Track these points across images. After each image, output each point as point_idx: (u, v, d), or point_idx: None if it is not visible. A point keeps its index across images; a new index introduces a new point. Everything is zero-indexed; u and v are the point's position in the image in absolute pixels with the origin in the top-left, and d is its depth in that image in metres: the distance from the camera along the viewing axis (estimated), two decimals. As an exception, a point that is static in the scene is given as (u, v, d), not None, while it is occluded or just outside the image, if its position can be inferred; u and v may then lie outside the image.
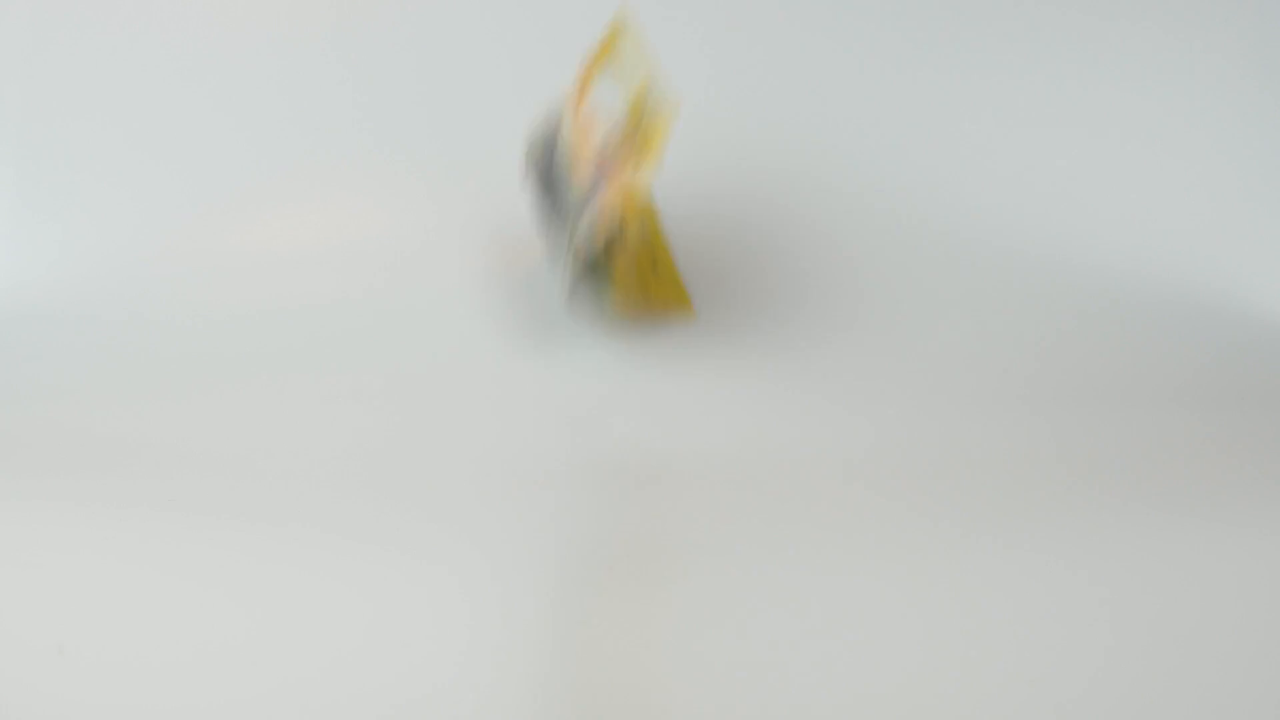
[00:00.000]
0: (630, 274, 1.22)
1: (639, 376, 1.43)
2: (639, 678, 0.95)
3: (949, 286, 1.53)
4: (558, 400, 1.38)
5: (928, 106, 1.57)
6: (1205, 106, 1.57)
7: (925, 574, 1.08)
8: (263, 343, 1.48)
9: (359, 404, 1.41)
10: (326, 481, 1.24)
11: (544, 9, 1.56)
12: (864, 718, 0.89)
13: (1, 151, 1.54)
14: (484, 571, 1.08)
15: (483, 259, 1.54)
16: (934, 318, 1.51)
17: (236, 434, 1.36)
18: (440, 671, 0.96)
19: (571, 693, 0.92)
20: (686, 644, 0.98)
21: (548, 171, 1.23)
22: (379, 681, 0.95)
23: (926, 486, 1.23)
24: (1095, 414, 1.40)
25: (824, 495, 1.21)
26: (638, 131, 1.07)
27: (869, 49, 1.57)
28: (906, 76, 1.57)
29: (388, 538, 1.15)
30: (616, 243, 1.16)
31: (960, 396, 1.43)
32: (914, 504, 1.21)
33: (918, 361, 1.48)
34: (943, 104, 1.57)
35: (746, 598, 1.03)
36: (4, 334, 1.48)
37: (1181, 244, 1.56)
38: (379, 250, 1.53)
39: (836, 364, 1.47)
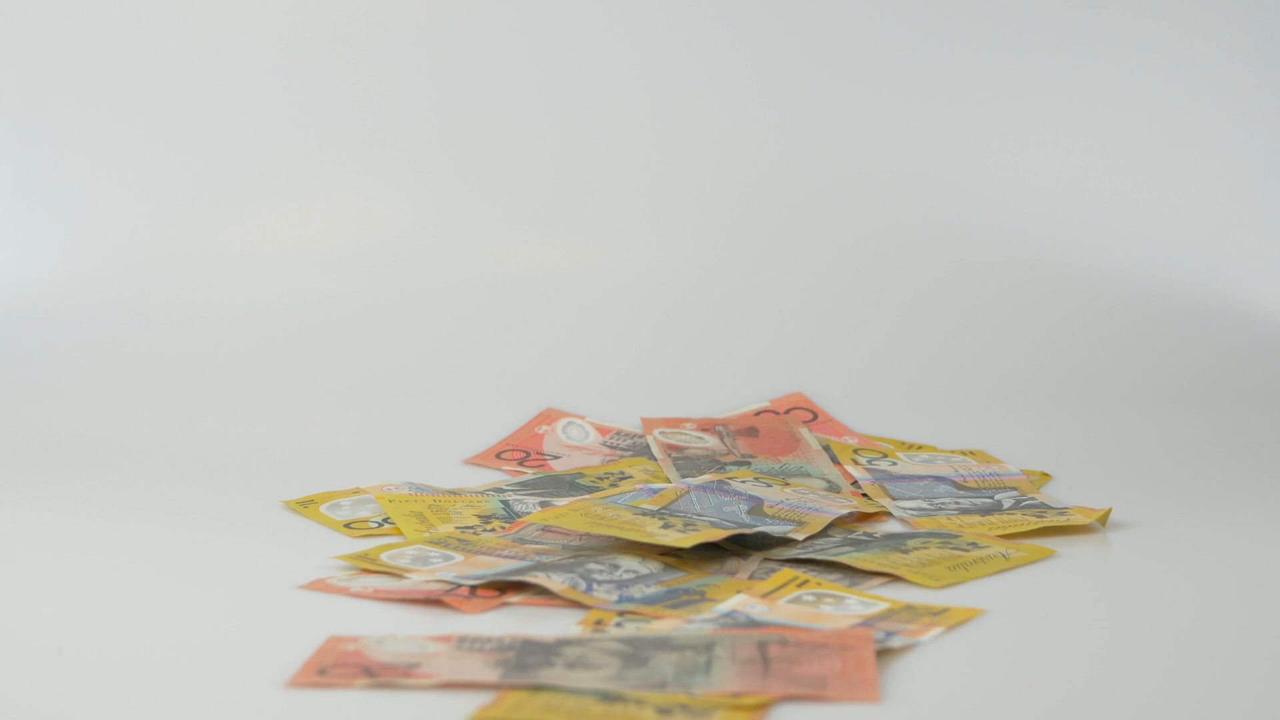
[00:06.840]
0: None
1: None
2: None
3: (949, 288, 1.53)
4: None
5: (926, 107, 1.57)
6: (1205, 108, 1.57)
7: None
8: (262, 342, 1.48)
9: (358, 402, 1.41)
10: (325, 481, 1.24)
11: (547, 9, 1.56)
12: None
13: (2, 153, 1.54)
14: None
15: (482, 259, 1.54)
16: (933, 319, 1.51)
17: (235, 433, 1.36)
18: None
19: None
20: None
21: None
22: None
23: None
24: (1096, 414, 1.40)
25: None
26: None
27: (869, 55, 1.57)
28: (906, 77, 1.57)
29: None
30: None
31: (963, 397, 1.43)
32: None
33: (919, 362, 1.48)
34: (942, 106, 1.57)
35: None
36: (4, 334, 1.48)
37: (1181, 245, 1.56)
38: (379, 250, 1.54)
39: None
